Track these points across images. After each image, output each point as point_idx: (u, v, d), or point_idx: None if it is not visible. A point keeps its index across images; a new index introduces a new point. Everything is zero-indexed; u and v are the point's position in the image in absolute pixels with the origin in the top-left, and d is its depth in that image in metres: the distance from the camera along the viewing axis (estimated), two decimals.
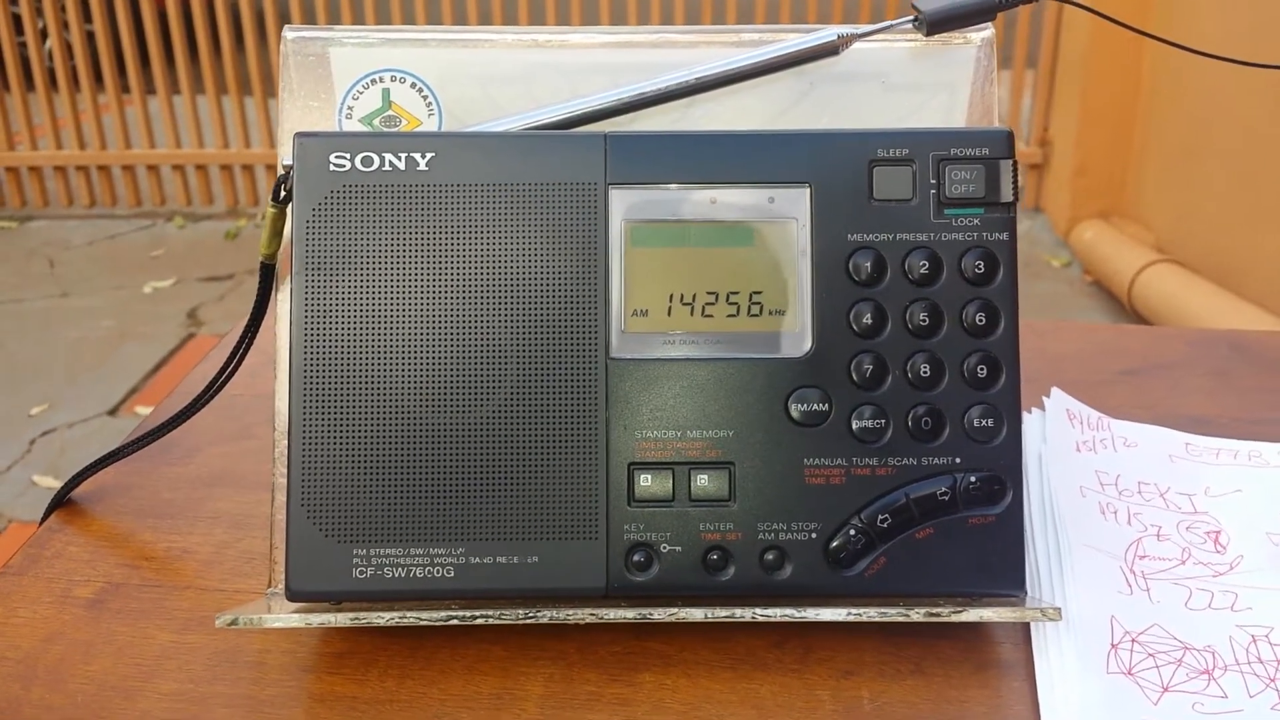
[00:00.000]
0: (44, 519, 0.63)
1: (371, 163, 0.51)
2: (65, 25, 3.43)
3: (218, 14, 3.37)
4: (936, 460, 0.51)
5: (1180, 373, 0.76)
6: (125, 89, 3.50)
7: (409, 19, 3.47)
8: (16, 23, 3.47)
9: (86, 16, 3.43)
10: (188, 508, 0.63)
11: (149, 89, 3.50)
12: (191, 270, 3.17)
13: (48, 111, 3.50)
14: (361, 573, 0.50)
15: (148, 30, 3.40)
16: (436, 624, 0.49)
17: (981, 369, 0.51)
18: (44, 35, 3.50)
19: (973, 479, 0.51)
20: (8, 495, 2.14)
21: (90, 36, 3.46)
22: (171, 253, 3.32)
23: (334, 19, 3.50)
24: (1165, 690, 0.48)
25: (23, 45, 3.49)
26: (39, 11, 3.44)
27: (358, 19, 3.46)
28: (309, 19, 3.49)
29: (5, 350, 2.72)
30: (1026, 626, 0.52)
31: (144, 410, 2.41)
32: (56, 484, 0.63)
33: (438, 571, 0.50)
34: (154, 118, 3.56)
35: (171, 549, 0.59)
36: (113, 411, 2.43)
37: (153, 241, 3.41)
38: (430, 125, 0.57)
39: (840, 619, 0.50)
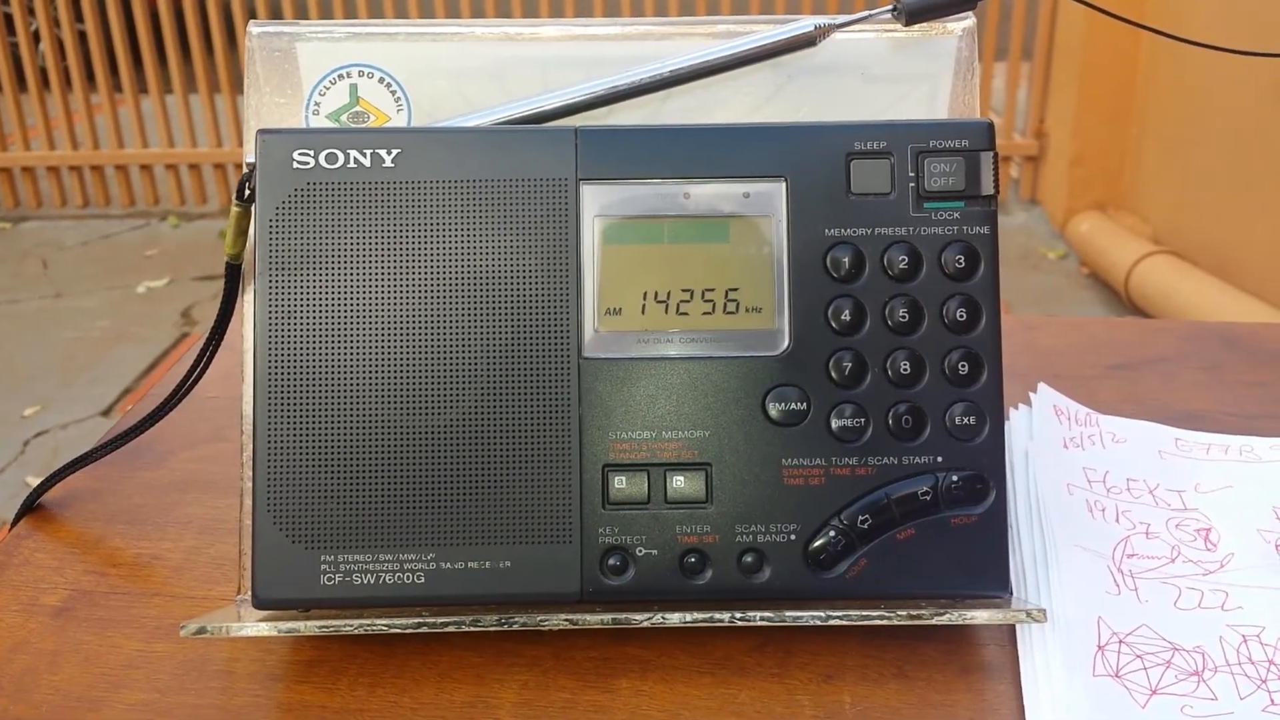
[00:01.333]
0: (14, 524, 0.62)
1: (336, 160, 0.50)
2: (57, 25, 3.42)
3: (210, 12, 3.35)
4: (918, 459, 0.50)
5: (1172, 367, 0.75)
6: (118, 88, 3.49)
7: (401, 14, 3.45)
8: (8, 23, 3.46)
9: (78, 16, 3.41)
10: (158, 512, 0.61)
11: (141, 88, 3.49)
12: (186, 270, 3.16)
13: (40, 112, 3.49)
14: (330, 579, 0.49)
15: (140, 29, 3.38)
16: (407, 631, 0.48)
17: (963, 366, 0.50)
18: (36, 36, 3.49)
19: (955, 478, 0.50)
20: (1, 497, 2.13)
21: (82, 36, 3.44)
22: (165, 252, 3.31)
23: (326, 14, 3.49)
24: (1153, 693, 0.47)
25: (14, 45, 3.47)
26: (30, 11, 3.43)
27: (350, 13, 3.44)
28: (300, 15, 3.48)
29: None
30: (1012, 628, 0.51)
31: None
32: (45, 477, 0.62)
33: (408, 578, 0.49)
34: (147, 117, 3.54)
35: (141, 555, 0.58)
36: (106, 412, 2.42)
37: (147, 241, 3.40)
38: (399, 120, 0.56)
39: (821, 622, 0.48)
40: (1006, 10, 3.23)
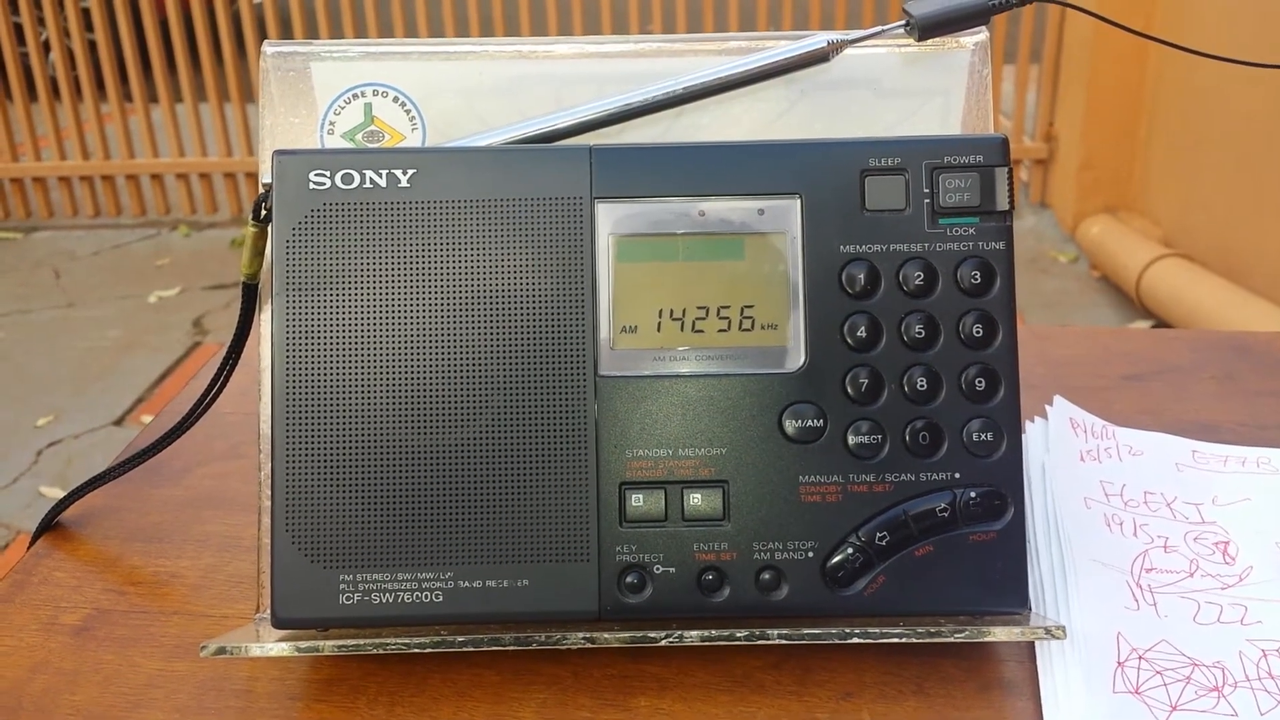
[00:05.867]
0: (32, 543, 0.62)
1: (352, 180, 0.50)
2: (67, 34, 3.43)
3: (219, 21, 3.36)
4: (935, 476, 0.50)
5: (1185, 377, 0.75)
6: (128, 98, 3.50)
7: (411, 30, 3.46)
8: (19, 33, 3.48)
9: (88, 26, 3.43)
10: (176, 530, 0.62)
11: (152, 97, 3.50)
12: (197, 279, 3.17)
13: (51, 122, 3.50)
14: (348, 599, 0.49)
15: (149, 38, 3.39)
16: (426, 651, 0.48)
17: (980, 381, 0.50)
18: (46, 45, 3.50)
19: (973, 494, 0.50)
20: (15, 507, 2.13)
21: (92, 46, 3.46)
22: (177, 262, 3.32)
23: (334, 24, 3.50)
24: (1174, 709, 0.47)
25: (25, 55, 3.49)
26: (41, 21, 3.44)
27: (359, 26, 3.45)
28: (309, 24, 3.49)
29: (12, 361, 2.72)
30: (1031, 645, 0.51)
31: (150, 420, 2.41)
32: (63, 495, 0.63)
33: (426, 596, 0.49)
34: (157, 126, 3.55)
35: (160, 573, 0.59)
36: (119, 421, 2.43)
37: (158, 250, 3.41)
38: (414, 139, 0.56)
39: (839, 640, 0.48)
40: (1014, 14, 3.22)
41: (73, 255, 3.39)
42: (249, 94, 3.51)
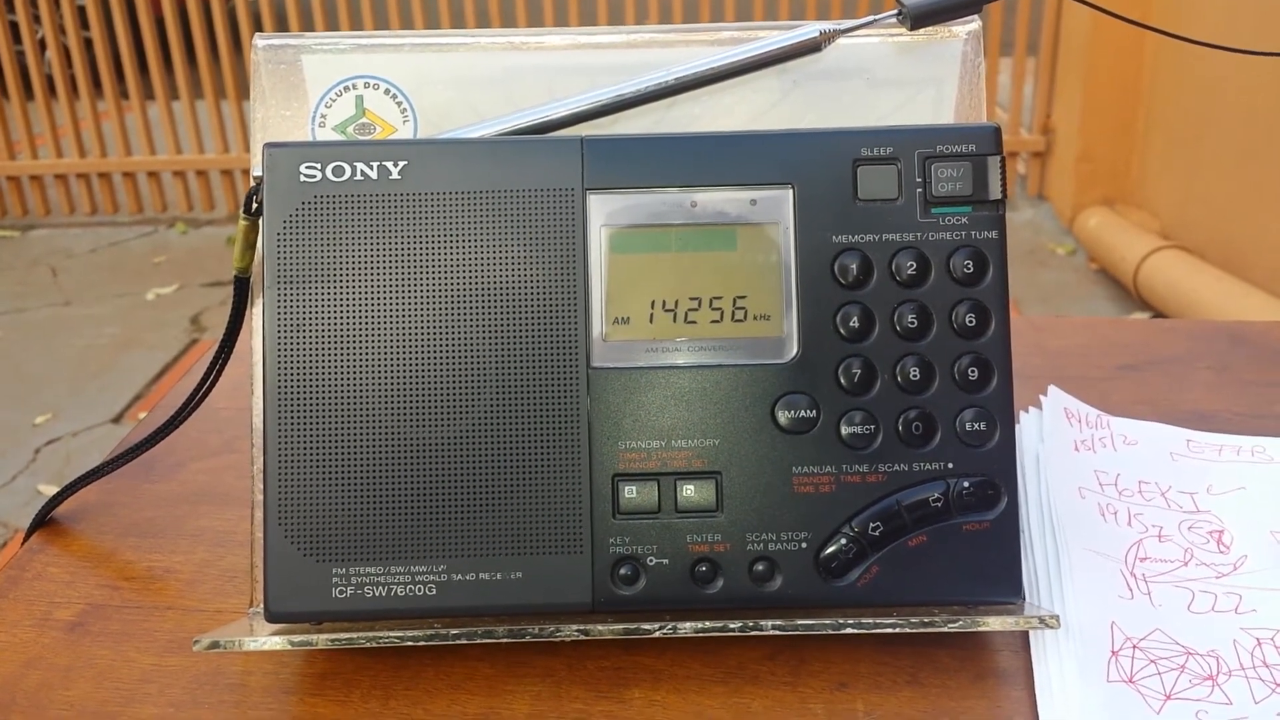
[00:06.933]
0: (26, 539, 0.62)
1: (343, 173, 0.50)
2: (63, 32, 3.43)
3: (215, 18, 3.36)
4: (928, 466, 0.50)
5: (1181, 367, 0.75)
6: (124, 95, 3.50)
7: (407, 23, 3.45)
8: (14, 31, 3.47)
9: (84, 24, 3.42)
10: (170, 525, 0.62)
11: (148, 95, 3.49)
12: (194, 276, 3.17)
13: (47, 120, 3.50)
14: (341, 592, 0.49)
15: (145, 36, 3.39)
16: (419, 644, 0.48)
17: (973, 371, 0.50)
18: (42, 44, 3.50)
19: (966, 484, 0.49)
20: (13, 505, 2.13)
21: (88, 44, 3.45)
22: (174, 259, 3.32)
23: (330, 21, 3.49)
24: (1168, 698, 0.47)
25: (21, 54, 3.48)
26: (37, 20, 3.44)
27: (355, 23, 3.44)
28: (305, 20, 3.48)
29: (9, 360, 2.72)
30: (1025, 634, 0.51)
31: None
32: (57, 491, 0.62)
33: (419, 590, 0.49)
34: (153, 124, 3.55)
35: (153, 568, 0.58)
36: (117, 419, 2.43)
37: (155, 248, 3.41)
38: (405, 131, 0.56)
39: (833, 630, 0.48)
40: (1011, 5, 3.22)
41: (70, 253, 3.38)
42: (245, 91, 3.49)
